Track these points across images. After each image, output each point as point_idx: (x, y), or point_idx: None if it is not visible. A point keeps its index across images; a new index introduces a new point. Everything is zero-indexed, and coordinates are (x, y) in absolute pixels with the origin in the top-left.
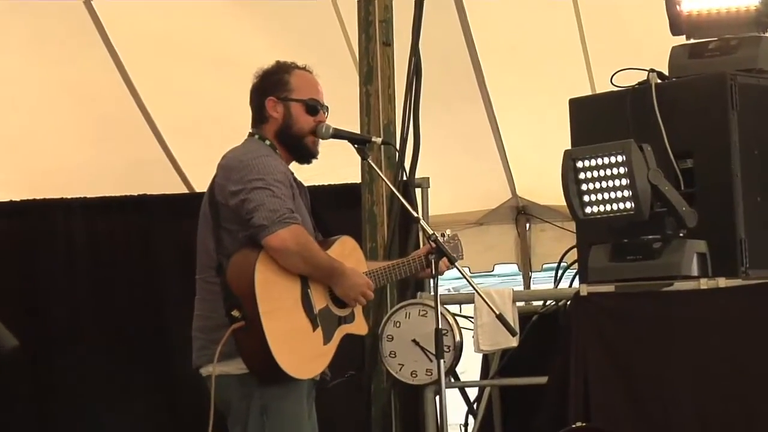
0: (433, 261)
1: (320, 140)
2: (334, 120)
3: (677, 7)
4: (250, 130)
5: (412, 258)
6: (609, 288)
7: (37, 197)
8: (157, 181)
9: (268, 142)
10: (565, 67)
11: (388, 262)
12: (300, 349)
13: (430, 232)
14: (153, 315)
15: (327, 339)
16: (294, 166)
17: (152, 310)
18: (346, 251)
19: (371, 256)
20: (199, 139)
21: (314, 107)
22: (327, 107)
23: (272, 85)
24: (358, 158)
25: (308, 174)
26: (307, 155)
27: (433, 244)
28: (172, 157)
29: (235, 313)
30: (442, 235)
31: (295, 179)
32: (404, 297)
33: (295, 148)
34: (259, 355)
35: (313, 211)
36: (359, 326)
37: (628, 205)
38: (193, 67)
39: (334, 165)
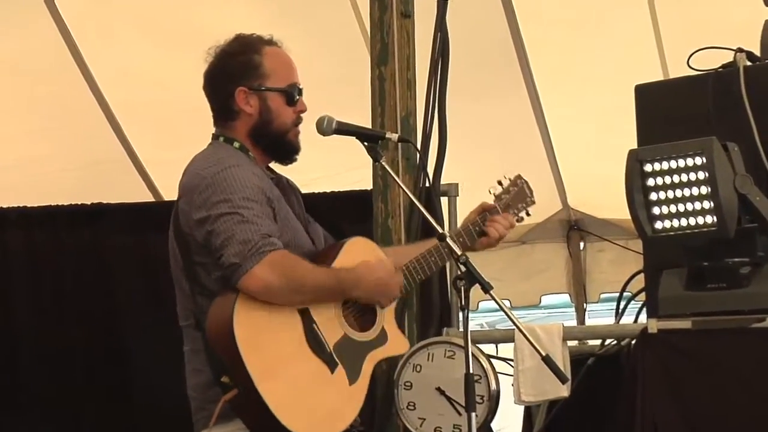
0: (462, 288)
1: (303, 134)
2: (338, 110)
3: None
4: (213, 131)
5: (472, 223)
6: (684, 324)
7: None
8: (116, 187)
9: (237, 144)
10: (631, 46)
11: (413, 248)
12: (316, 405)
13: (459, 252)
14: (112, 356)
15: (353, 377)
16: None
17: (110, 347)
18: (359, 253)
19: None
20: (169, 135)
21: (294, 95)
22: (301, 89)
23: (241, 70)
24: (369, 160)
25: (305, 178)
26: (290, 153)
27: (463, 266)
28: (135, 156)
29: (225, 379)
30: (499, 183)
31: (279, 182)
32: (426, 334)
33: (276, 147)
34: (265, 425)
35: (319, 218)
36: (396, 344)
37: (709, 219)
38: (160, 45)
39: (339, 167)
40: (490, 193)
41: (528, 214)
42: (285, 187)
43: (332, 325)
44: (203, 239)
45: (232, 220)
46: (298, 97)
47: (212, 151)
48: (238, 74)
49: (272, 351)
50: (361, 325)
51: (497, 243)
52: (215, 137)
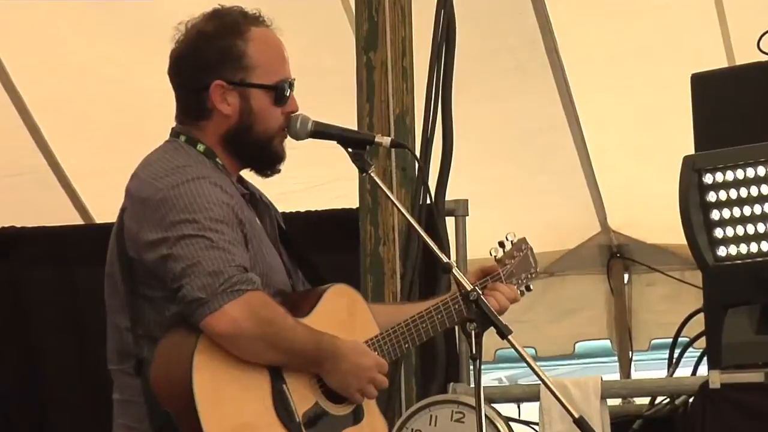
0: (473, 332)
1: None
2: (314, 107)
3: None
4: (174, 126)
5: (452, 298)
6: (755, 376)
7: None
8: (34, 207)
9: (201, 147)
10: (687, 30)
11: (411, 307)
12: None
13: (469, 287)
14: (26, 409)
15: None
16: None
17: (25, 399)
18: (340, 310)
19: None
20: (102, 141)
21: (285, 94)
22: (293, 82)
23: (218, 59)
24: (354, 170)
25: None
26: (274, 161)
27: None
28: (59, 168)
29: None
30: (501, 245)
31: (252, 198)
32: (428, 390)
33: (257, 155)
34: None
35: (289, 242)
36: (373, 425)
37: None
38: (92, 23)
39: (316, 180)
40: (491, 255)
41: (529, 289)
42: (258, 204)
43: (304, 390)
44: (155, 265)
45: (198, 244)
46: (288, 95)
47: (170, 153)
48: (215, 64)
49: (233, 411)
50: (335, 394)
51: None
52: (175, 134)
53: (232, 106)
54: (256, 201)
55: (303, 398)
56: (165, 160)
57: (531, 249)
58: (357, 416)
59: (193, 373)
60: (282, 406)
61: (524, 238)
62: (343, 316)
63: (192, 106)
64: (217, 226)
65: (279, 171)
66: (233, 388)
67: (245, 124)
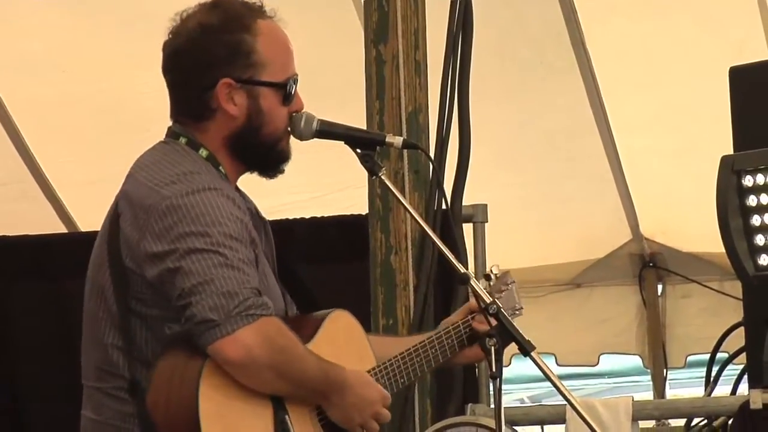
0: (492, 349)
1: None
2: (319, 105)
3: None
4: (171, 125)
5: (453, 326)
6: None
7: None
8: (18, 216)
9: (204, 153)
10: (727, 17)
11: (410, 340)
12: None
13: (488, 299)
14: (9, 423)
15: None
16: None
17: (7, 416)
18: (340, 337)
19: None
20: (87, 148)
21: (293, 92)
22: (297, 79)
23: (226, 55)
24: (364, 175)
25: (275, 202)
26: (279, 164)
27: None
28: (42, 176)
29: None
30: (486, 278)
31: (252, 213)
32: (444, 412)
33: (262, 158)
34: None
35: (283, 263)
36: None
37: None
38: (76, 27)
39: (323, 186)
40: (479, 287)
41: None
42: (256, 220)
43: (305, 420)
44: (157, 279)
45: (211, 260)
46: (294, 92)
47: (172, 156)
48: (223, 60)
49: None
50: (335, 427)
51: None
52: (173, 135)
53: (239, 106)
54: (253, 216)
55: (304, 429)
56: (169, 163)
57: (515, 284)
58: None
59: (200, 401)
60: None
61: (508, 271)
62: (343, 345)
63: (193, 105)
64: (232, 243)
65: (283, 171)
66: (237, 417)
67: (254, 126)
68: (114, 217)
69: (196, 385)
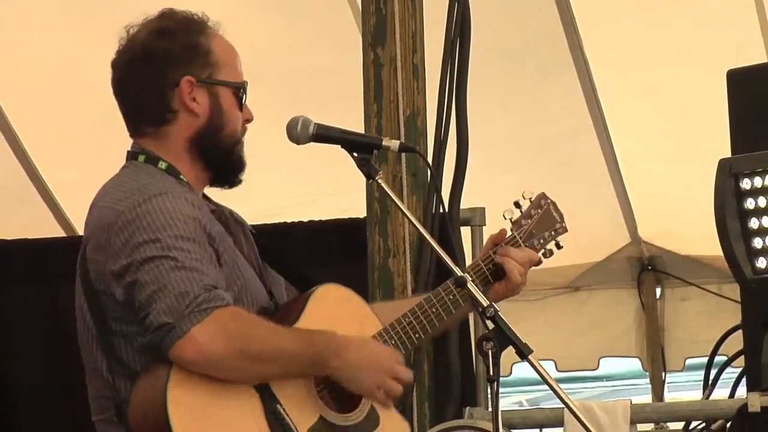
0: (490, 352)
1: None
2: (316, 109)
3: None
4: (130, 147)
5: (474, 266)
6: None
7: None
8: (14, 219)
9: (163, 165)
10: (725, 21)
11: (413, 299)
12: None
13: (485, 303)
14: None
15: None
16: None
17: (2, 419)
18: (333, 309)
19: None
20: (84, 151)
21: (243, 97)
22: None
23: (185, 53)
24: (361, 179)
25: (273, 206)
26: (237, 171)
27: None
28: (39, 179)
29: None
30: (516, 206)
31: (221, 216)
32: (442, 415)
33: (222, 162)
34: None
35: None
36: (392, 429)
37: None
38: (74, 25)
39: (320, 190)
40: (505, 218)
41: (559, 247)
42: (228, 221)
43: (303, 405)
44: (125, 297)
45: (163, 266)
46: (244, 100)
47: (129, 176)
48: (182, 60)
49: None
50: (342, 402)
51: (519, 288)
52: (132, 156)
53: (202, 104)
54: (225, 219)
55: (303, 415)
56: (123, 182)
57: (553, 203)
58: (372, 422)
59: (169, 411)
60: (280, 429)
61: (543, 193)
62: (336, 316)
63: (154, 110)
64: (182, 244)
65: (241, 181)
66: (219, 419)
67: (215, 125)
68: (83, 247)
69: (163, 398)
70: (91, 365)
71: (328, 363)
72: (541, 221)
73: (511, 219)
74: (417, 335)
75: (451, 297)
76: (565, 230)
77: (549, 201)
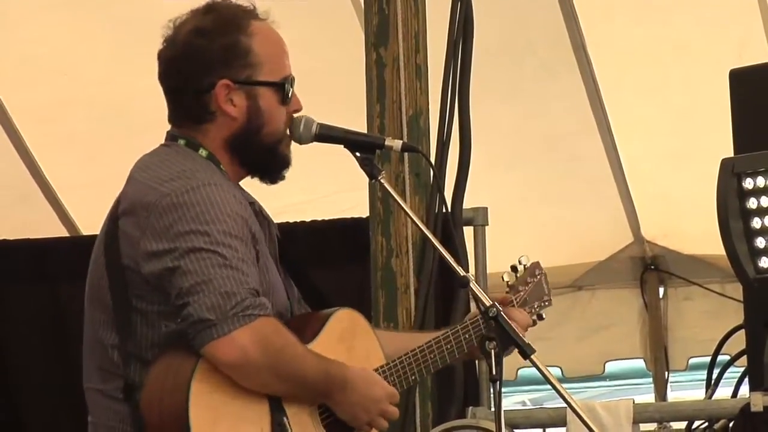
0: (492, 352)
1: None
2: (319, 109)
3: None
4: (170, 130)
5: (463, 327)
6: None
7: None
8: (18, 219)
9: (204, 153)
10: (728, 20)
11: (424, 336)
12: None
13: (488, 302)
14: (5, 426)
15: None
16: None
17: (4, 417)
18: (345, 336)
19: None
20: (88, 150)
21: (290, 91)
22: (294, 80)
23: (223, 57)
24: (364, 179)
25: (276, 205)
26: (280, 167)
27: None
28: (43, 178)
29: None
30: (513, 270)
31: (257, 211)
32: (445, 415)
33: (264, 160)
34: None
35: (289, 263)
36: None
37: None
38: (77, 22)
39: (323, 189)
40: (503, 280)
41: (541, 318)
42: (260, 217)
43: (305, 422)
44: (156, 277)
45: (210, 260)
46: (291, 93)
47: (172, 156)
48: (220, 62)
49: None
50: (338, 428)
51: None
52: (172, 138)
53: (239, 107)
54: (257, 214)
55: (304, 429)
56: (167, 162)
57: (545, 275)
58: None
59: (190, 404)
60: None
61: (538, 262)
62: (349, 343)
63: (192, 109)
64: (231, 242)
65: (284, 178)
66: (231, 420)
67: (254, 126)
68: (113, 217)
69: (186, 389)
70: (96, 336)
71: (332, 396)
72: (534, 290)
73: (508, 283)
74: (413, 376)
75: (466, 337)
76: (551, 304)
77: (542, 272)
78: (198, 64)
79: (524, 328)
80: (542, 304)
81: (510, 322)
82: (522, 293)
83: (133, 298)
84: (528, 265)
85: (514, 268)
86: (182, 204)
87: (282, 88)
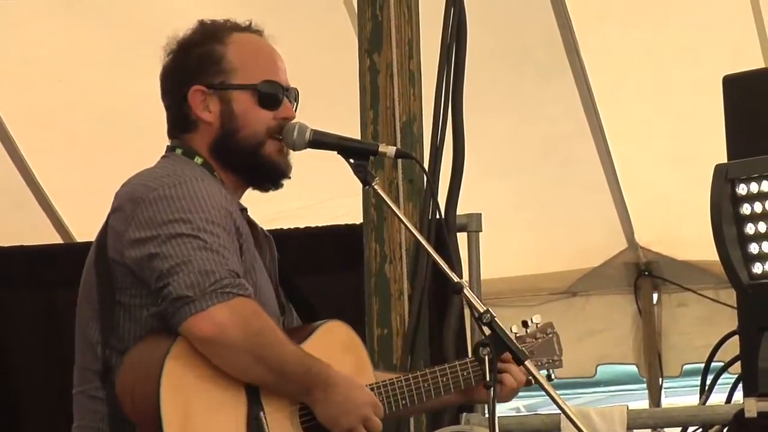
0: (486, 358)
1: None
2: (312, 115)
3: None
4: (169, 143)
5: (462, 364)
6: None
7: None
8: (10, 225)
9: (199, 160)
10: (722, 25)
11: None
12: None
13: (482, 309)
14: None
15: None
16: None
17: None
18: (334, 345)
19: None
20: (83, 156)
21: (272, 95)
22: (296, 92)
23: (197, 64)
24: (358, 185)
25: (268, 212)
26: (270, 174)
27: (487, 328)
28: (36, 184)
29: None
30: (524, 325)
31: (248, 221)
32: (439, 422)
33: (248, 165)
34: None
35: (284, 274)
36: None
37: None
38: (76, 24)
39: (316, 196)
40: (511, 331)
41: (551, 379)
42: (258, 234)
43: (283, 422)
44: (137, 264)
45: (190, 243)
46: (282, 98)
47: (167, 163)
48: (195, 71)
49: (201, 429)
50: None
51: (509, 398)
52: (170, 149)
53: (213, 112)
54: (255, 230)
55: (281, 430)
56: (161, 167)
57: (557, 335)
58: None
59: (162, 380)
60: None
61: (551, 322)
62: (337, 355)
63: (178, 119)
64: (213, 229)
65: (281, 186)
66: (205, 405)
67: (228, 129)
68: (106, 220)
69: (160, 364)
70: (84, 335)
71: (313, 393)
72: (543, 346)
73: (516, 334)
74: (404, 401)
75: (464, 374)
76: (561, 365)
77: (555, 332)
78: (178, 76)
79: (520, 384)
80: (550, 361)
81: (503, 379)
82: (528, 344)
83: (116, 292)
84: (540, 323)
85: (525, 323)
86: (168, 196)
87: (257, 90)
